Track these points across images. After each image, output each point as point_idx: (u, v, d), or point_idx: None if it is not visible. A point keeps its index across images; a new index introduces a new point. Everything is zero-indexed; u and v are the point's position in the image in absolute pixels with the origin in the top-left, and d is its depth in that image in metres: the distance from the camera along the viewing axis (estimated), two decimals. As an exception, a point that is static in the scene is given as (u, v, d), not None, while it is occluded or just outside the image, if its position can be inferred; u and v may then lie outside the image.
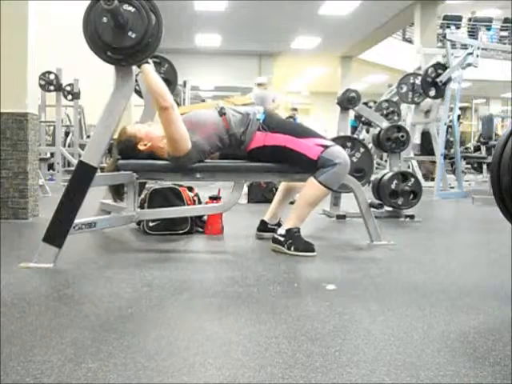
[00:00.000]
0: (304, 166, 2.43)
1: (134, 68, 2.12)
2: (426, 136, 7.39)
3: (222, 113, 2.48)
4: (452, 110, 6.17)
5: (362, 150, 3.57)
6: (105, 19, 1.95)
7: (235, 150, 2.49)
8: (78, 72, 7.47)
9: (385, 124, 3.90)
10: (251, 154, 2.48)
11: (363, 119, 6.62)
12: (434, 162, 7.34)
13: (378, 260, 2.36)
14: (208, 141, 2.42)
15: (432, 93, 5.64)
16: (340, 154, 2.41)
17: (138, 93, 3.27)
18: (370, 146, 4.65)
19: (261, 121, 2.47)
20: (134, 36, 1.96)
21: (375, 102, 6.59)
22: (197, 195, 3.17)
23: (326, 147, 2.40)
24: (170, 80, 3.32)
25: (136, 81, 3.72)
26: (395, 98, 6.63)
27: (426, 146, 7.38)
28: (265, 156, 2.46)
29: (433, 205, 5.15)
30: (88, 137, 8.67)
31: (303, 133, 2.47)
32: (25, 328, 1.34)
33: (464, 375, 1.10)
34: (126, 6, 1.95)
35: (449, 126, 6.05)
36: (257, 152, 2.46)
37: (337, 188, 2.54)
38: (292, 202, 2.77)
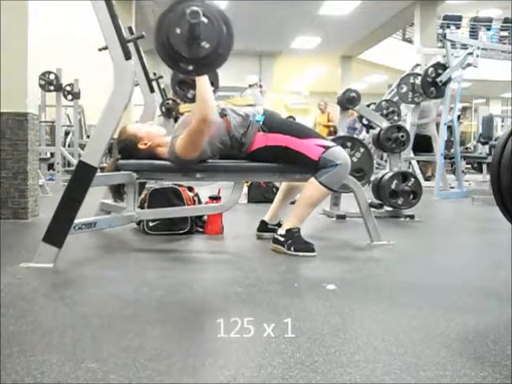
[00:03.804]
0: (305, 166, 2.42)
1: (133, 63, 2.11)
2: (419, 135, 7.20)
3: (222, 114, 2.48)
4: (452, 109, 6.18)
5: (361, 149, 3.57)
6: (178, 30, 1.94)
7: (236, 152, 2.48)
8: (77, 72, 7.48)
9: (385, 124, 3.90)
10: (253, 156, 2.48)
11: (363, 121, 6.61)
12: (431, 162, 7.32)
13: (378, 260, 2.36)
14: (209, 142, 2.42)
15: (432, 93, 5.63)
16: (341, 154, 2.40)
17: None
18: (370, 145, 4.66)
19: (261, 122, 2.47)
20: (207, 47, 1.96)
21: (374, 103, 6.58)
22: (197, 195, 3.17)
23: (326, 148, 2.40)
24: (213, 82, 3.32)
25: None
26: (395, 98, 6.62)
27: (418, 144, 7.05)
28: (266, 156, 2.46)
29: (433, 205, 5.15)
30: (88, 137, 8.68)
31: (304, 133, 2.46)
32: (25, 328, 1.34)
33: (464, 375, 1.10)
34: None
35: (449, 126, 6.05)
36: (258, 153, 2.46)
37: (337, 188, 2.55)
38: (293, 202, 2.77)
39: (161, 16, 1.96)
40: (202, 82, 2.24)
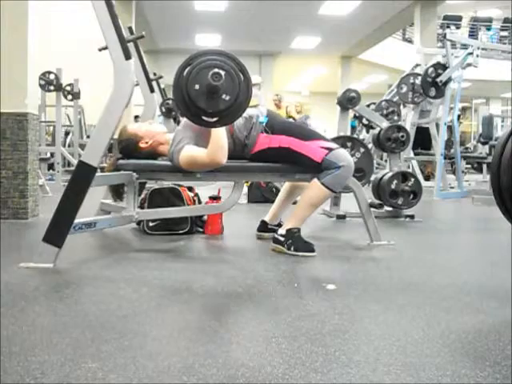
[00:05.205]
0: (308, 168, 2.42)
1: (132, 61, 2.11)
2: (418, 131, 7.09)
3: None
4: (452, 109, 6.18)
5: (361, 149, 3.57)
6: (197, 86, 1.97)
7: (239, 154, 2.48)
8: (78, 72, 7.49)
9: (385, 124, 3.90)
10: (256, 157, 2.47)
11: (363, 121, 6.60)
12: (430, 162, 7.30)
13: (378, 260, 2.36)
14: None
15: (432, 93, 5.63)
16: (344, 156, 2.40)
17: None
18: (370, 146, 4.66)
19: (264, 124, 2.47)
20: (227, 98, 1.99)
21: (374, 103, 6.58)
22: (197, 195, 3.16)
23: (330, 150, 2.39)
24: None
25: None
26: (395, 98, 6.62)
27: (418, 141, 6.92)
28: (269, 158, 2.46)
29: (433, 205, 5.15)
30: (88, 137, 8.68)
31: (307, 135, 2.46)
32: (25, 328, 1.34)
33: (464, 375, 1.10)
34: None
35: (449, 126, 6.05)
36: (261, 154, 2.46)
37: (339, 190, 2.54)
38: (295, 203, 2.77)
39: (177, 73, 2.00)
40: (219, 129, 2.27)
